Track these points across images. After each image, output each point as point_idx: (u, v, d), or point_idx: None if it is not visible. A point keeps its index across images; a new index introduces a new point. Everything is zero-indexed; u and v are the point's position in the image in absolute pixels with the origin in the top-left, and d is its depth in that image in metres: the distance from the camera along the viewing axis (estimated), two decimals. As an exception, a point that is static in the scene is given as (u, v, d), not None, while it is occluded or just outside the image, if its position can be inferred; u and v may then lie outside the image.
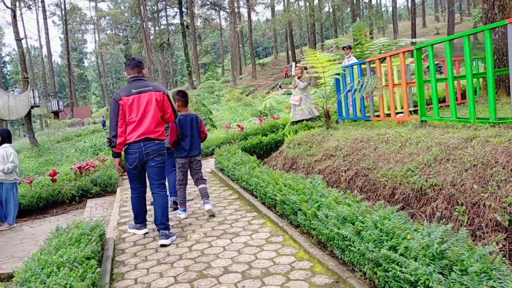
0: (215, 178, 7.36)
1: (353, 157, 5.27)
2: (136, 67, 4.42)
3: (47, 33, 52.20)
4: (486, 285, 2.11)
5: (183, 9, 45.50)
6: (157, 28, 60.09)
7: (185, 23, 44.89)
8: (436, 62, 7.58)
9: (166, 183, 4.77)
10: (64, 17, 54.38)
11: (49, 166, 23.30)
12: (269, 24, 60.59)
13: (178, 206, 5.25)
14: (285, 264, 3.36)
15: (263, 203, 5.08)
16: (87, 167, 8.34)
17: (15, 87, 37.81)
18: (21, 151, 29.57)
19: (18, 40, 27.10)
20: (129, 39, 64.21)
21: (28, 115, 28.72)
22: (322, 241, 3.52)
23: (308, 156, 6.18)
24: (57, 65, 78.12)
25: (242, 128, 10.79)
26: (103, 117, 39.17)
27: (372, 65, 6.75)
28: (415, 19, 40.33)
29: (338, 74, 7.31)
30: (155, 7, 54.32)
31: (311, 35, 41.71)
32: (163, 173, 4.49)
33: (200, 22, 55.98)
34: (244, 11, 56.76)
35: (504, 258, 2.45)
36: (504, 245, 3.00)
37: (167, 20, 58.69)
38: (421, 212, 3.92)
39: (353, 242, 2.98)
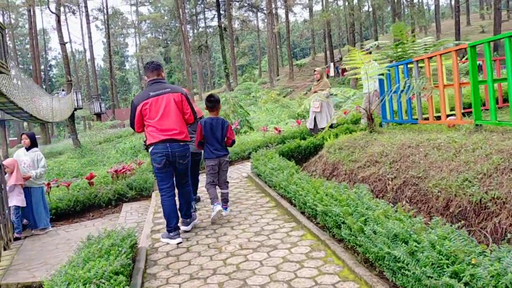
0: (252, 183, 7.11)
1: (400, 164, 4.87)
2: (155, 70, 4.54)
3: (90, 37, 53.87)
4: None
5: (221, 12, 45.67)
6: (195, 30, 60.75)
7: (222, 25, 45.02)
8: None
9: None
10: (106, 22, 55.94)
11: (91, 167, 23.86)
12: (307, 25, 59.95)
13: (211, 203, 5.08)
14: (328, 284, 3.04)
15: (302, 213, 4.77)
16: (123, 170, 8.30)
17: (61, 90, 39.06)
18: (64, 152, 30.53)
19: (63, 44, 27.99)
20: (168, 42, 65.28)
21: (72, 117, 29.62)
22: (370, 259, 3.18)
23: (350, 162, 5.81)
24: (99, 68, 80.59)
25: (280, 131, 10.50)
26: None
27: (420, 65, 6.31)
28: (459, 17, 38.67)
29: (382, 74, 6.91)
30: (194, 10, 54.88)
31: (350, 35, 40.78)
32: (188, 172, 4.75)
33: (238, 24, 56.07)
34: (281, 12, 56.35)
35: None
36: None
37: (205, 22, 59.21)
38: (481, 228, 3.50)
39: (407, 265, 2.63)
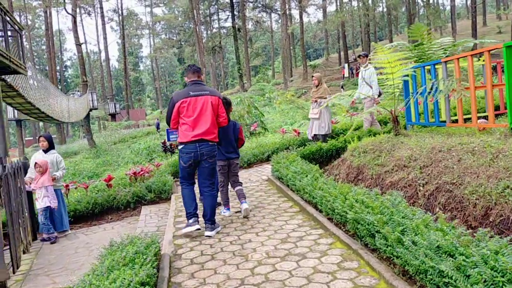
0: (272, 186, 6.94)
1: (432, 169, 4.66)
2: (196, 72, 4.86)
3: (105, 38, 54.36)
4: None
5: (235, 12, 45.60)
6: (209, 31, 60.80)
7: (236, 26, 44.95)
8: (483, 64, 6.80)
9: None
10: (121, 23, 56.30)
11: (106, 167, 23.97)
12: (320, 26, 59.57)
13: (222, 206, 5.55)
14: (365, 298, 2.87)
15: (329, 219, 4.59)
16: (141, 172, 8.20)
17: (76, 90, 39.48)
18: (79, 152, 30.75)
19: (78, 45, 28.18)
20: (182, 43, 65.40)
21: (87, 117, 29.83)
22: (409, 272, 2.99)
23: (377, 166, 5.61)
24: (114, 69, 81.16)
25: (299, 133, 10.31)
26: (157, 119, 40.00)
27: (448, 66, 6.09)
28: (476, 18, 38.02)
29: (407, 75, 6.69)
30: (208, 11, 54.91)
31: (365, 35, 40.42)
32: (214, 173, 4.93)
33: (251, 25, 55.98)
34: (295, 12, 56.08)
35: None
36: None
37: (219, 23, 59.26)
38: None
39: (455, 281, 2.44)
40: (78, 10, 40.18)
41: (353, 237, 3.95)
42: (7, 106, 18.61)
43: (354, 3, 53.27)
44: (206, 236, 4.61)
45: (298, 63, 65.65)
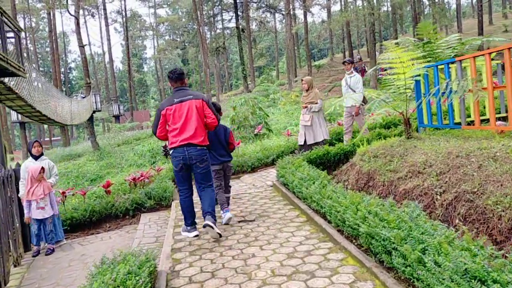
0: (278, 193, 6.62)
1: (449, 176, 4.32)
2: (178, 79, 4.89)
3: (109, 40, 54.16)
4: None
5: (239, 13, 45.26)
6: (213, 32, 60.54)
7: (240, 26, 44.60)
8: (498, 63, 6.47)
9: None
10: (125, 24, 56.11)
11: (109, 170, 23.70)
12: (324, 26, 59.15)
13: (221, 209, 5.35)
14: (383, 328, 2.54)
15: (339, 231, 4.26)
16: (141, 178, 7.91)
17: (80, 92, 39.28)
18: (83, 154, 30.52)
19: (81, 46, 27.96)
20: (186, 44, 65.18)
21: (91, 119, 29.62)
22: (432, 297, 2.66)
23: (389, 172, 5.27)
24: (118, 70, 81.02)
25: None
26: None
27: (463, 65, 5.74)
28: (482, 16, 37.48)
29: (419, 75, 6.35)
30: (211, 12, 54.64)
31: (370, 35, 39.94)
32: (210, 176, 4.91)
33: (255, 25, 55.59)
34: (299, 12, 55.76)
35: None
36: None
37: (222, 24, 58.91)
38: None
39: (490, 313, 2.11)
40: (81, 11, 40.04)
41: (366, 253, 3.62)
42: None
43: (359, 3, 52.80)
44: (205, 224, 4.54)
45: (303, 63, 65.22)
